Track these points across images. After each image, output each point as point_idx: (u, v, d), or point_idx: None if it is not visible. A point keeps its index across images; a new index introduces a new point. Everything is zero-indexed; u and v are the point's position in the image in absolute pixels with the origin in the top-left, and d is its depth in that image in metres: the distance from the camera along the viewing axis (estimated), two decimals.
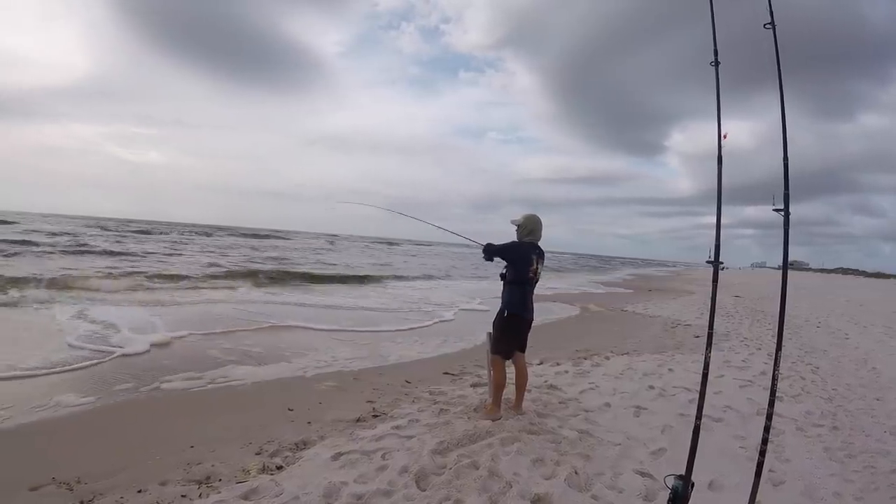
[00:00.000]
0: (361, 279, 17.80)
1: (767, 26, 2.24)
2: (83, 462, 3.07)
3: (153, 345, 6.12)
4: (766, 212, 2.20)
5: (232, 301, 10.58)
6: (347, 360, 6.04)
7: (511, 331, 4.03)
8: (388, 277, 19.69)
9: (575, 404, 4.39)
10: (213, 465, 3.03)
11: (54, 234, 27.92)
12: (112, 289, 10.80)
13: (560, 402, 4.41)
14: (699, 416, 2.26)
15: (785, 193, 2.17)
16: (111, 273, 13.50)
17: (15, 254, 16.63)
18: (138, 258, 19.22)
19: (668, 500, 2.18)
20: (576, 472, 2.94)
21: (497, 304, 4.14)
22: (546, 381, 5.05)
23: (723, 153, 2.25)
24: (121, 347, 5.85)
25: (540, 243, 4.13)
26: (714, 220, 2.26)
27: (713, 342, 2.30)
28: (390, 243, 77.44)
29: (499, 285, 4.15)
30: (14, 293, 9.02)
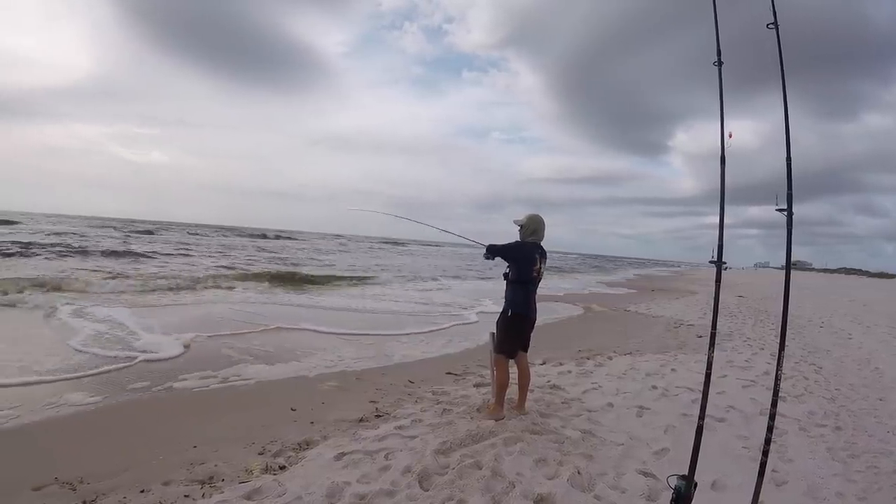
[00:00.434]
0: (373, 281, 17.67)
1: (770, 26, 2.24)
2: (86, 462, 3.08)
3: (185, 347, 6.11)
4: (769, 212, 2.20)
5: (247, 302, 10.59)
6: (352, 360, 6.06)
7: (514, 330, 4.03)
8: (401, 278, 19.70)
9: (578, 404, 4.39)
10: (216, 465, 3.04)
11: (59, 234, 28.03)
12: (121, 290, 10.79)
13: (563, 402, 4.41)
14: (702, 416, 2.26)
15: (788, 193, 2.17)
16: (119, 275, 13.55)
17: (17, 254, 16.67)
18: (148, 260, 19.26)
19: (671, 500, 2.18)
20: (579, 472, 2.94)
21: None
22: (549, 381, 5.05)
23: (726, 153, 2.25)
24: (144, 352, 5.77)
25: (544, 243, 4.14)
26: (717, 220, 2.26)
27: (716, 342, 2.30)
28: (395, 243, 77.44)
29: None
30: (27, 296, 8.96)
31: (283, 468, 3.01)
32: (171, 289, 11.70)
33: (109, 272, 13.98)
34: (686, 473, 2.18)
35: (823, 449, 3.67)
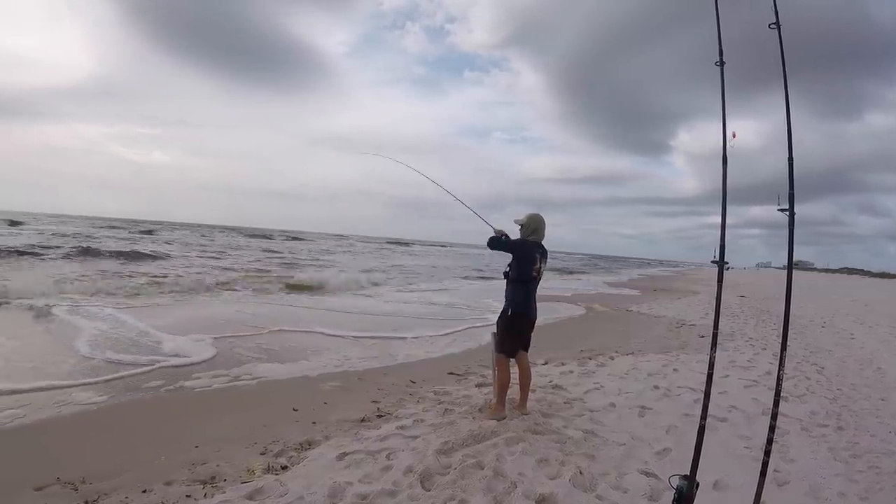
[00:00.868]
0: (383, 284, 17.50)
1: (772, 26, 2.24)
2: (88, 462, 3.08)
3: (218, 350, 6.09)
4: (771, 212, 2.20)
5: (254, 304, 10.61)
6: (357, 360, 6.09)
7: (515, 330, 4.04)
8: (415, 279, 19.72)
9: (580, 404, 4.39)
10: (217, 465, 3.04)
11: (71, 236, 28.04)
12: (131, 293, 10.79)
13: (565, 402, 4.41)
14: (704, 416, 2.26)
15: (790, 193, 2.17)
16: (128, 275, 13.63)
17: (30, 255, 16.66)
18: (159, 261, 19.27)
19: (673, 500, 2.18)
20: (580, 473, 2.94)
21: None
22: (551, 381, 5.05)
23: (728, 153, 2.25)
24: (177, 356, 5.72)
25: (546, 243, 4.15)
26: (719, 220, 2.26)
27: (718, 342, 2.29)
28: (400, 243, 77.29)
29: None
30: (40, 299, 8.92)
31: (284, 468, 3.01)
32: (186, 291, 11.68)
33: (127, 274, 14.05)
34: (688, 473, 2.19)
35: (825, 449, 3.67)
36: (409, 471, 2.89)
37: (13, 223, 38.32)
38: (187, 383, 4.81)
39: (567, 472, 2.95)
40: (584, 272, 38.68)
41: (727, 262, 2.30)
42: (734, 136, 2.24)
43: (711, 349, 2.28)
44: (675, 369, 5.95)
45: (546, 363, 6.03)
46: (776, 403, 2.24)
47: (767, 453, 2.19)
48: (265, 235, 56.85)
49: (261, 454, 3.23)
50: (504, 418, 3.80)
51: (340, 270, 19.88)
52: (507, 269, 4.07)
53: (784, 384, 2.30)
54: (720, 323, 2.41)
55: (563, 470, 2.99)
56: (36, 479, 2.83)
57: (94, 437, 3.55)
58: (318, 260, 27.11)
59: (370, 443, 3.34)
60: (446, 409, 4.05)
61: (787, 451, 3.55)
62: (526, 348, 4.14)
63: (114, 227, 46.25)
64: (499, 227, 4.14)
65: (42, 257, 16.53)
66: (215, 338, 6.70)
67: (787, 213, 2.16)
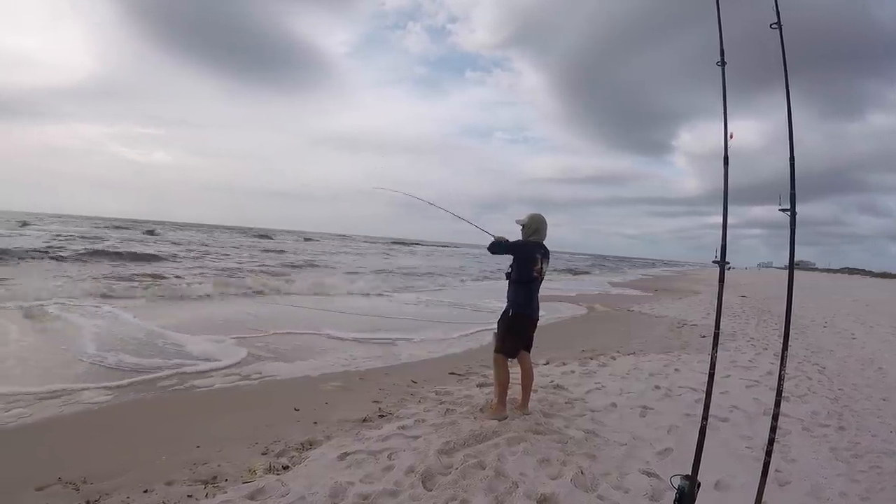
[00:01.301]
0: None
1: (774, 26, 2.24)
2: (89, 462, 3.08)
3: (250, 353, 6.08)
4: (772, 212, 2.20)
5: (263, 305, 10.64)
6: (361, 360, 6.11)
7: (516, 330, 4.03)
8: (420, 279, 19.84)
9: (581, 404, 4.39)
10: (219, 465, 3.04)
11: (69, 237, 28.08)
12: (152, 295, 10.83)
13: (566, 402, 4.41)
14: (705, 416, 2.26)
15: (791, 193, 2.17)
16: (148, 275, 13.78)
17: (40, 257, 16.67)
18: (171, 263, 19.30)
19: (675, 500, 2.19)
20: (582, 473, 2.94)
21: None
22: (552, 381, 5.05)
23: (729, 153, 2.25)
24: (207, 360, 5.67)
25: (549, 243, 4.15)
26: (721, 220, 2.26)
27: (719, 342, 2.29)
28: (405, 243, 77.23)
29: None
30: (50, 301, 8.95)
31: (286, 468, 3.01)
32: (195, 294, 11.65)
33: (149, 274, 14.25)
34: (689, 473, 2.19)
35: (827, 449, 3.67)
36: (411, 471, 2.89)
37: (24, 224, 38.64)
38: (187, 384, 4.81)
39: (568, 472, 2.95)
40: (588, 272, 38.69)
41: (728, 262, 2.30)
42: (731, 136, 2.24)
43: (713, 349, 2.28)
44: (676, 369, 5.95)
45: (547, 363, 6.03)
46: (777, 403, 2.24)
47: (769, 453, 2.19)
48: (265, 235, 56.91)
49: (262, 454, 3.23)
50: (505, 418, 3.80)
51: (351, 272, 19.99)
52: (509, 269, 4.08)
53: (785, 384, 2.30)
54: (721, 323, 2.41)
55: (564, 470, 2.99)
56: (37, 479, 2.83)
57: (95, 436, 3.56)
58: (338, 261, 27.14)
59: (372, 443, 3.34)
60: (448, 409, 4.05)
61: (788, 451, 3.54)
62: (528, 349, 4.14)
63: (118, 228, 46.34)
64: (499, 235, 4.14)
65: (61, 260, 16.57)
66: (235, 339, 6.73)
67: (789, 213, 2.16)
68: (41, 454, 3.23)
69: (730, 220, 2.26)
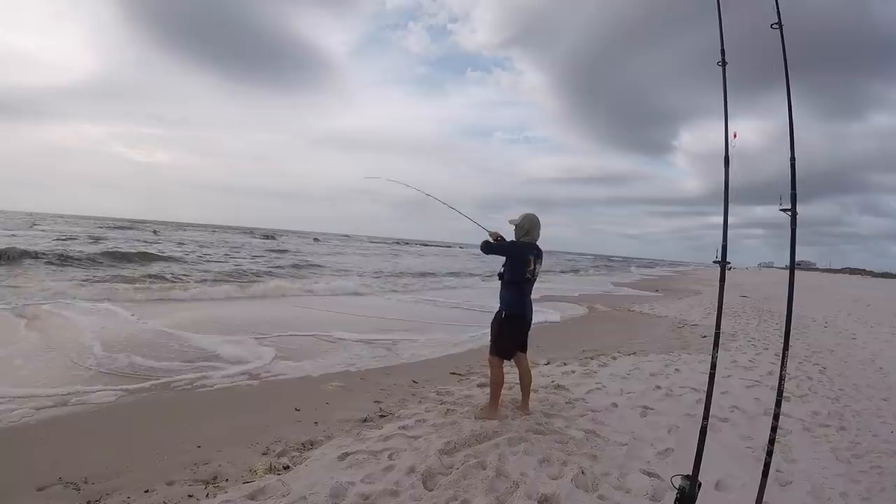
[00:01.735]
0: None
1: (775, 26, 2.24)
2: (90, 462, 3.08)
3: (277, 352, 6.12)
4: (773, 212, 2.20)
5: (298, 305, 10.75)
6: (365, 360, 6.13)
7: (510, 332, 4.01)
8: (423, 279, 20.09)
9: (582, 404, 4.39)
10: (219, 465, 3.05)
11: (75, 239, 28.10)
12: (147, 297, 10.82)
13: (567, 402, 4.40)
14: (706, 417, 2.26)
15: (792, 193, 2.17)
16: (166, 277, 13.96)
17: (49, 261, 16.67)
18: (184, 264, 19.29)
19: (676, 501, 2.19)
20: (583, 473, 2.94)
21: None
22: (553, 381, 5.05)
23: (730, 153, 2.25)
24: (240, 363, 5.67)
25: (550, 243, 4.13)
26: (721, 220, 2.26)
27: (720, 342, 2.29)
28: (409, 243, 77.33)
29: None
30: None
31: (286, 468, 3.02)
32: (204, 296, 11.68)
33: (169, 276, 14.40)
34: (690, 473, 2.19)
35: (827, 449, 3.67)
36: (412, 471, 2.89)
37: (33, 225, 38.88)
38: (187, 384, 4.81)
39: (569, 472, 2.95)
40: (589, 273, 38.73)
41: (729, 262, 2.30)
42: (735, 136, 2.24)
43: (714, 349, 2.28)
44: (677, 369, 5.95)
45: (548, 363, 6.03)
46: (778, 403, 2.24)
47: (769, 453, 2.19)
48: (269, 236, 56.96)
49: (263, 454, 3.23)
50: (496, 418, 3.79)
51: (357, 273, 20.06)
52: (502, 270, 4.07)
53: (786, 384, 2.30)
54: (722, 323, 2.41)
55: (565, 470, 2.99)
56: (38, 479, 2.84)
57: (96, 436, 3.55)
58: (344, 261, 27.18)
59: (372, 443, 3.34)
60: (448, 409, 4.05)
61: (789, 452, 3.54)
62: (524, 349, 4.12)
63: (121, 228, 46.42)
64: (493, 231, 4.16)
65: (75, 262, 16.52)
66: (234, 339, 6.73)
67: (789, 213, 2.16)
68: (42, 454, 3.23)
69: (731, 221, 2.26)
